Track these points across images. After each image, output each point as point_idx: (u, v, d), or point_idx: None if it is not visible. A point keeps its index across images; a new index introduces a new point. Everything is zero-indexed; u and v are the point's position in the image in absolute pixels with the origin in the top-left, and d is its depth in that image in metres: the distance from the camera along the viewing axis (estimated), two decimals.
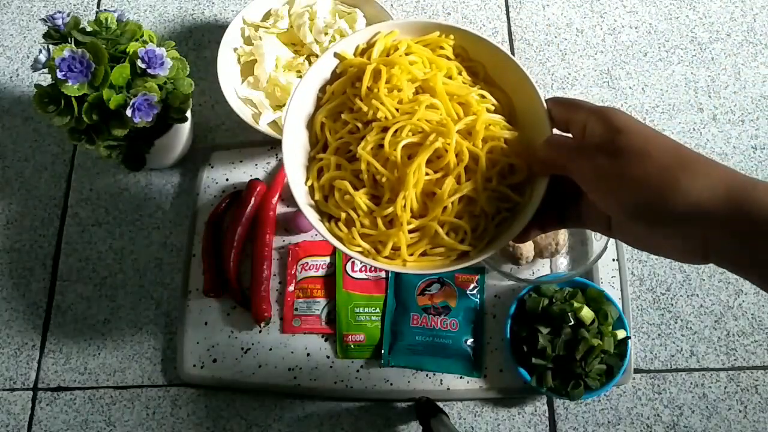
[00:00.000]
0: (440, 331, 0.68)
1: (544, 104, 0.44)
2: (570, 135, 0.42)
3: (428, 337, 0.67)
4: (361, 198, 0.46)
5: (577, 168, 0.38)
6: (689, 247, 0.36)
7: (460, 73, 0.49)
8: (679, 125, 0.79)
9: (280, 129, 0.74)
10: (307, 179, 0.48)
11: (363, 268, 0.71)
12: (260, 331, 0.69)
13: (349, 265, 0.71)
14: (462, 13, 0.86)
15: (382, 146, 0.45)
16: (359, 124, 0.46)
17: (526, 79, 0.46)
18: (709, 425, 0.66)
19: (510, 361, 0.65)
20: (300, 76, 0.76)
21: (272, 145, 0.77)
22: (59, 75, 0.58)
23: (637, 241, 0.39)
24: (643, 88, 0.82)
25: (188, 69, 0.67)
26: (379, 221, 0.45)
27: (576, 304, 0.64)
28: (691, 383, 0.68)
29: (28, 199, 0.78)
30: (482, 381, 0.67)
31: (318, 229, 0.45)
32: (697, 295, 0.72)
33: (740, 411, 0.67)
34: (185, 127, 0.72)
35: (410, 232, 0.45)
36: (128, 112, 0.59)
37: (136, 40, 0.64)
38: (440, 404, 0.65)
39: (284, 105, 0.74)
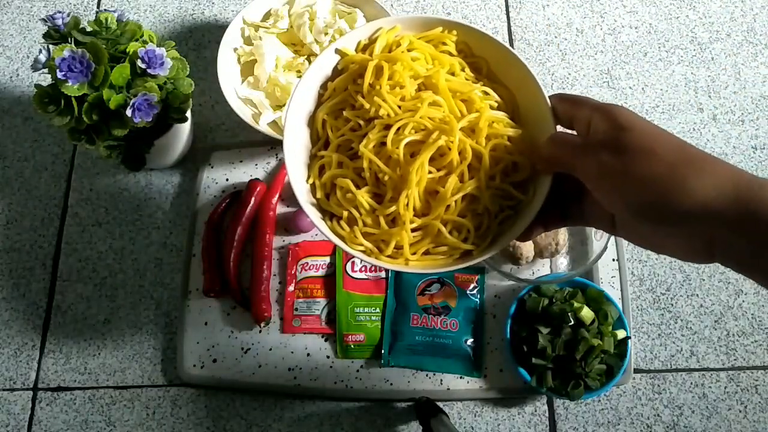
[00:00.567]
0: (440, 331, 0.68)
1: (548, 101, 0.44)
2: (574, 132, 0.41)
3: (428, 337, 0.67)
4: (363, 196, 0.45)
5: (581, 165, 0.38)
6: (695, 247, 0.35)
7: (463, 70, 0.48)
8: (679, 125, 0.79)
9: (280, 129, 0.75)
10: (309, 177, 0.47)
11: (363, 268, 0.71)
12: (260, 331, 0.69)
13: (349, 265, 0.71)
14: (462, 13, 0.86)
15: (384, 144, 0.44)
16: (361, 122, 0.46)
17: (529, 75, 0.46)
18: (709, 425, 0.66)
19: (510, 361, 0.65)
20: (300, 76, 0.76)
21: (272, 145, 0.77)
22: (59, 75, 0.58)
23: (641, 239, 0.39)
24: (643, 88, 0.82)
25: (188, 69, 0.67)
26: (382, 220, 0.45)
27: (576, 304, 0.64)
28: (691, 383, 0.68)
29: (28, 199, 0.78)
30: (482, 381, 0.67)
31: (320, 227, 0.45)
32: (697, 295, 0.72)
33: (740, 411, 0.67)
34: (185, 127, 0.72)
35: (413, 230, 0.45)
36: (128, 112, 0.59)
37: (136, 40, 0.64)
38: (440, 404, 0.65)
39: (284, 105, 0.74)
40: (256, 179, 0.74)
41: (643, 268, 0.73)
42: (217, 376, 0.68)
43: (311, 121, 0.49)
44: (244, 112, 0.73)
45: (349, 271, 0.71)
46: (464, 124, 0.44)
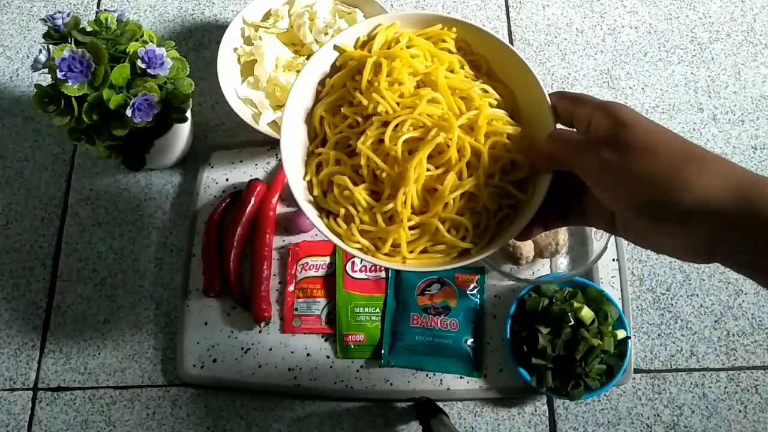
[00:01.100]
0: (440, 331, 0.68)
1: (548, 99, 0.44)
2: (574, 130, 0.41)
3: (428, 337, 0.67)
4: (361, 194, 0.44)
5: (582, 163, 0.38)
6: (695, 246, 0.35)
7: (462, 67, 0.47)
8: (679, 125, 0.79)
9: (280, 129, 0.75)
10: (306, 174, 0.47)
11: (363, 268, 0.71)
12: (260, 331, 0.69)
13: (349, 265, 0.71)
14: (462, 12, 0.86)
15: (382, 141, 0.44)
16: (359, 118, 0.46)
17: (529, 73, 0.45)
18: (709, 425, 0.66)
19: (510, 361, 0.65)
20: None
21: (272, 145, 0.77)
22: (59, 75, 0.58)
23: (641, 238, 0.38)
24: (643, 88, 0.82)
25: (188, 69, 0.67)
26: (379, 217, 0.44)
27: (576, 304, 0.64)
28: (691, 383, 0.68)
29: (28, 199, 0.78)
30: (482, 381, 0.67)
31: (316, 225, 0.44)
32: (697, 295, 0.72)
33: (740, 411, 0.67)
34: (185, 127, 0.72)
35: (411, 228, 0.44)
36: (128, 112, 0.59)
37: (136, 40, 0.64)
38: (440, 404, 0.65)
39: (284, 105, 0.74)
40: (256, 179, 0.74)
41: (643, 268, 0.73)
42: (217, 376, 0.68)
43: (309, 118, 0.48)
44: (244, 112, 0.73)
45: (349, 271, 0.71)
46: (463, 121, 0.44)
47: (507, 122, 0.45)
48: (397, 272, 0.70)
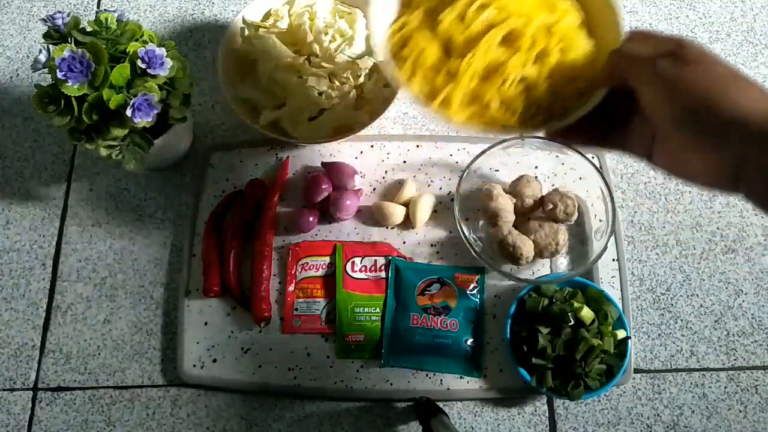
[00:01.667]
0: (440, 331, 0.68)
1: (623, 26, 0.49)
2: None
3: (428, 337, 0.67)
4: (431, 50, 0.50)
5: (638, 72, 0.40)
6: (723, 168, 0.37)
7: None
8: None
9: (280, 129, 0.75)
10: (389, 28, 0.52)
11: (363, 268, 0.71)
12: (260, 331, 0.69)
13: (349, 265, 0.71)
14: None
15: (464, 18, 0.49)
16: None
17: (616, 13, 0.50)
18: (709, 425, 0.67)
19: (510, 361, 0.65)
20: (300, 76, 0.76)
21: (272, 145, 0.77)
22: (59, 75, 0.58)
23: (674, 161, 0.41)
24: None
25: (188, 69, 0.67)
26: (442, 74, 0.49)
27: (576, 304, 0.64)
28: (691, 383, 0.68)
29: (28, 199, 0.78)
30: (482, 381, 0.67)
31: (385, 69, 0.51)
32: (697, 295, 0.72)
33: (740, 411, 0.67)
34: (185, 127, 0.72)
35: (465, 100, 0.49)
36: (128, 112, 0.59)
37: (136, 40, 0.64)
38: (440, 404, 0.65)
39: (284, 105, 0.74)
40: (256, 179, 0.74)
41: (643, 268, 0.73)
42: (217, 376, 0.68)
43: None
44: (244, 112, 0.73)
45: (349, 271, 0.71)
46: (543, 19, 0.48)
47: (581, 38, 0.50)
48: (397, 272, 0.70)
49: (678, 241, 0.74)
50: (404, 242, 0.73)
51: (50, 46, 0.62)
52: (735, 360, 0.69)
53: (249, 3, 0.77)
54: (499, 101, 0.49)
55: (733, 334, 0.70)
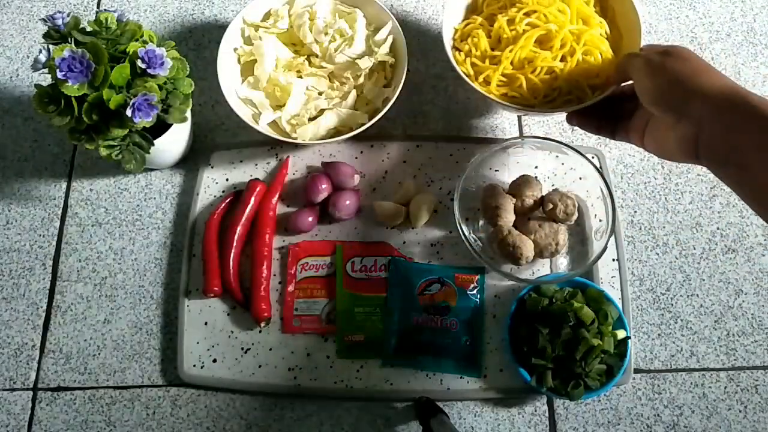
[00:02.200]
0: (440, 331, 0.68)
1: (641, 44, 0.67)
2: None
3: (428, 337, 0.67)
4: (483, 39, 0.69)
5: (636, 64, 0.53)
6: (687, 137, 0.47)
7: (595, 6, 0.72)
8: None
9: (280, 129, 0.75)
10: (460, 23, 0.74)
11: (363, 268, 0.71)
12: (260, 331, 0.69)
13: (349, 265, 0.71)
14: None
15: (513, 20, 0.68)
16: (508, 3, 0.71)
17: (638, 25, 0.68)
18: (709, 425, 0.67)
19: (510, 361, 0.65)
20: (300, 76, 0.76)
21: (272, 145, 0.77)
22: (59, 75, 0.58)
23: (657, 141, 0.53)
24: None
25: (188, 69, 0.67)
26: (486, 60, 0.69)
27: (576, 304, 0.64)
28: (691, 383, 0.68)
29: (28, 199, 0.78)
30: (482, 381, 0.67)
31: (448, 52, 0.69)
32: (697, 295, 0.72)
33: (740, 411, 0.67)
34: (185, 127, 0.72)
35: (501, 82, 0.68)
36: (128, 112, 0.59)
37: (136, 40, 0.64)
38: (440, 404, 0.65)
39: (284, 105, 0.74)
40: (256, 179, 0.74)
41: (643, 268, 0.73)
42: (217, 376, 0.68)
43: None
44: (244, 112, 0.73)
45: (349, 271, 0.71)
46: (573, 27, 0.67)
47: (604, 45, 0.68)
48: (397, 272, 0.70)
49: (678, 241, 0.74)
50: (404, 242, 0.73)
51: (50, 46, 0.62)
52: (735, 360, 0.69)
53: (249, 3, 0.77)
54: (527, 86, 0.67)
55: (733, 334, 0.70)
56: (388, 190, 0.75)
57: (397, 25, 0.75)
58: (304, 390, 0.67)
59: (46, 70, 0.60)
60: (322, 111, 0.75)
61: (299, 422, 0.67)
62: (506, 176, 0.74)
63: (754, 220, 0.75)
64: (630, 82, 0.58)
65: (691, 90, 0.47)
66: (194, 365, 0.68)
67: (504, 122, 0.79)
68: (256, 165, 0.77)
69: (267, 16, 0.79)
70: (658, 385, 0.68)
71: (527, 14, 0.68)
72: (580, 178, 0.70)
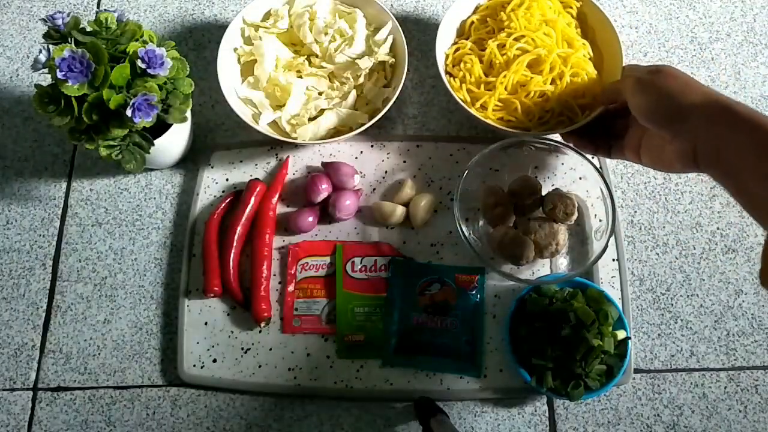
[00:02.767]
0: (440, 331, 0.68)
1: (623, 65, 0.70)
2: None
3: (428, 337, 0.67)
4: (477, 66, 0.71)
5: (627, 84, 0.55)
6: (684, 150, 0.49)
7: (577, 28, 0.75)
8: None
9: (280, 129, 0.75)
10: (447, 50, 0.75)
11: (363, 268, 0.71)
12: (260, 331, 0.69)
13: (349, 265, 0.71)
14: None
15: (504, 46, 0.70)
16: (496, 28, 0.73)
17: (619, 50, 0.71)
18: (709, 425, 0.67)
19: (510, 361, 0.65)
20: (300, 76, 0.76)
21: (272, 145, 0.77)
22: (59, 75, 0.58)
23: (653, 154, 0.55)
24: None
25: (188, 69, 0.67)
26: (482, 86, 0.71)
27: (576, 305, 0.64)
28: (691, 383, 0.68)
29: (28, 199, 0.78)
30: (482, 381, 0.67)
31: (444, 78, 0.71)
32: (697, 295, 0.72)
33: (740, 411, 0.67)
34: (185, 127, 0.72)
35: (497, 107, 0.70)
36: (128, 112, 0.59)
37: (136, 40, 0.64)
38: (440, 404, 0.65)
39: (284, 105, 0.74)
40: (256, 179, 0.74)
41: (643, 268, 0.73)
42: (217, 376, 0.68)
43: (462, 24, 0.77)
44: (244, 112, 0.73)
45: (349, 271, 0.71)
46: (561, 51, 0.70)
47: (589, 66, 0.71)
48: (397, 272, 0.70)
49: (678, 241, 0.74)
50: (404, 242, 0.73)
51: (50, 46, 0.62)
52: (735, 360, 0.69)
53: (249, 3, 0.77)
54: (522, 109, 0.69)
55: (733, 334, 0.70)
56: (388, 190, 0.75)
57: (397, 25, 0.75)
58: (304, 390, 0.67)
59: (46, 70, 0.60)
60: (322, 111, 0.75)
61: (299, 422, 0.67)
62: (506, 176, 0.74)
63: (754, 220, 0.75)
64: (616, 104, 0.62)
65: (683, 104, 0.49)
66: (194, 365, 0.68)
67: None
68: (256, 165, 0.77)
69: (267, 16, 0.79)
70: (658, 385, 0.68)
71: (516, 39, 0.70)
72: (580, 178, 0.70)
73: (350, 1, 0.80)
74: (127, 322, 0.71)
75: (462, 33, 0.77)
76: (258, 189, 0.73)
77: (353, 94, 0.75)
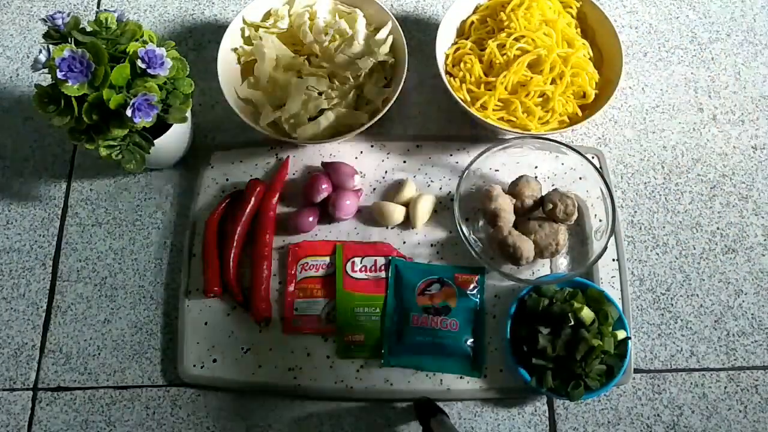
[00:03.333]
0: (440, 331, 0.68)
1: (623, 66, 0.71)
2: None
3: (428, 337, 0.67)
4: (477, 66, 0.72)
5: None
6: None
7: (576, 28, 0.75)
8: (679, 125, 0.79)
9: (280, 129, 0.75)
10: (447, 50, 0.76)
11: (363, 268, 0.71)
12: (260, 331, 0.69)
13: (349, 265, 0.71)
14: None
15: (504, 45, 0.71)
16: (496, 28, 0.74)
17: (619, 51, 0.71)
18: (709, 425, 0.67)
19: (510, 361, 0.65)
20: (300, 76, 0.76)
21: (272, 145, 0.77)
22: (59, 75, 0.58)
23: None
24: (643, 88, 0.82)
25: (188, 69, 0.67)
26: (482, 86, 0.72)
27: (576, 305, 0.64)
28: (691, 383, 0.68)
29: (28, 199, 0.78)
30: (482, 381, 0.67)
31: (444, 78, 0.72)
32: (697, 295, 0.72)
33: (740, 411, 0.67)
34: (185, 127, 0.72)
35: (497, 107, 0.71)
36: (128, 112, 0.59)
37: (136, 40, 0.64)
38: (440, 404, 0.65)
39: (284, 105, 0.74)
40: (256, 179, 0.74)
41: (643, 268, 0.73)
42: (217, 376, 0.68)
43: (462, 23, 0.78)
44: (244, 112, 0.73)
45: (349, 271, 0.71)
46: (561, 51, 0.70)
47: (590, 66, 0.72)
48: (397, 272, 0.70)
49: (678, 241, 0.74)
50: (404, 242, 0.73)
51: (50, 46, 0.62)
52: (735, 360, 0.69)
53: (249, 3, 0.77)
54: (522, 108, 0.70)
55: (733, 334, 0.70)
56: (388, 190, 0.75)
57: (397, 25, 0.75)
58: (304, 390, 0.67)
59: (46, 70, 0.60)
60: (322, 111, 0.75)
61: (299, 422, 0.67)
62: (506, 176, 0.74)
63: (754, 220, 0.75)
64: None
65: None
66: (194, 365, 0.68)
67: None
68: (256, 165, 0.77)
69: (267, 16, 0.80)
70: (658, 385, 0.68)
71: (516, 39, 0.71)
72: (580, 178, 0.70)
73: (350, 1, 0.80)
74: (127, 322, 0.71)
75: (462, 33, 0.78)
76: (258, 189, 0.73)
77: (353, 94, 0.75)
